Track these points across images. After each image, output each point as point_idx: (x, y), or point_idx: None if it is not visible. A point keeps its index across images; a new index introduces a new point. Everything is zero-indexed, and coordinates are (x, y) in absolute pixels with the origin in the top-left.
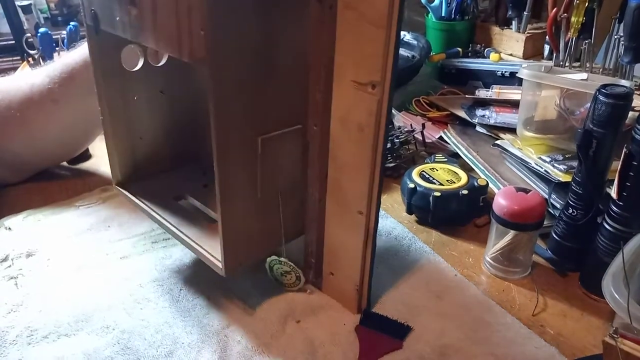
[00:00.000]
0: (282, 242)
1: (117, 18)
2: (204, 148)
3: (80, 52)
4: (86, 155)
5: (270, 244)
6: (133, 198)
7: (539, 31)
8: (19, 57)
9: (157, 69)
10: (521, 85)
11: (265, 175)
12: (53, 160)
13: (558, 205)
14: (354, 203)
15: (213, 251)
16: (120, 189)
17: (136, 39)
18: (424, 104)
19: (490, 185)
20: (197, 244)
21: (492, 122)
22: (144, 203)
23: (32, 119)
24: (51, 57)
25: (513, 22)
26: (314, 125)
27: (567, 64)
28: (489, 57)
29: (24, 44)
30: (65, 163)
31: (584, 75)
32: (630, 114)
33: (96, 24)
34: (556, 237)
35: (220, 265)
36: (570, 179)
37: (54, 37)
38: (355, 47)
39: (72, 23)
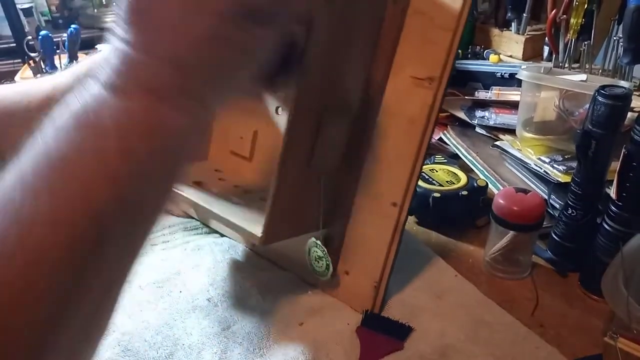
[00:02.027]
0: (321, 225)
1: None
2: (216, 147)
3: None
4: None
5: (308, 225)
6: None
7: (539, 33)
8: (19, 60)
9: None
10: (520, 86)
11: (318, 153)
12: None
13: (557, 206)
14: (388, 194)
15: (247, 225)
16: None
17: None
18: None
19: (490, 186)
20: (229, 216)
21: (491, 123)
22: None
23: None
24: (52, 60)
25: (512, 23)
26: (363, 115)
27: (566, 65)
28: (488, 59)
29: (25, 46)
30: None
31: (583, 77)
32: (630, 114)
33: None
34: (556, 238)
35: (259, 233)
36: (569, 180)
37: (55, 40)
38: (419, 47)
39: (73, 26)
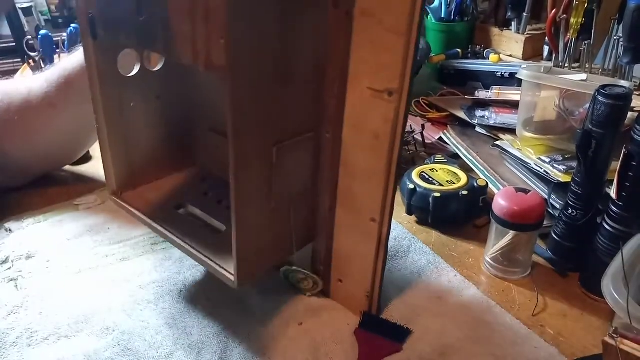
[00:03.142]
0: (294, 251)
1: (121, 23)
2: (201, 154)
3: (78, 56)
4: (86, 157)
5: (281, 253)
6: (133, 210)
7: (539, 32)
8: (19, 60)
9: (154, 74)
10: (521, 86)
11: (279, 184)
12: (53, 165)
13: (558, 206)
14: (366, 210)
15: (223, 263)
16: (118, 200)
17: (142, 45)
18: (423, 105)
19: (490, 185)
20: (205, 256)
21: (491, 123)
22: (144, 215)
23: (31, 123)
24: (52, 60)
25: (512, 23)
26: (326, 133)
27: (566, 65)
28: (488, 58)
29: (24, 46)
30: None
31: (583, 76)
32: (630, 114)
33: (94, 30)
34: (556, 238)
35: (232, 277)
36: (569, 180)
37: (54, 39)
38: (372, 54)
39: (72, 25)
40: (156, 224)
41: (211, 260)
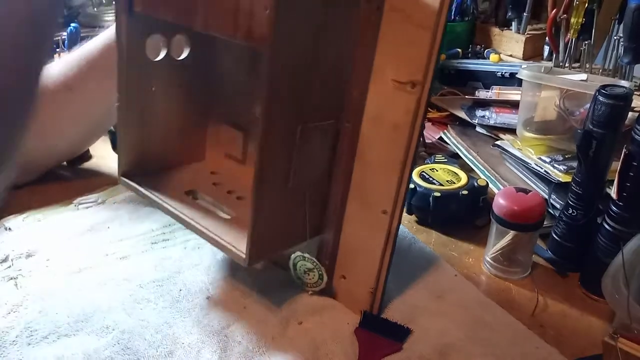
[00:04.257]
0: (307, 237)
1: None
2: (213, 148)
3: (102, 39)
4: (86, 156)
5: (293, 239)
6: (144, 190)
7: (539, 32)
8: None
9: (178, 64)
10: (521, 86)
11: (298, 165)
12: (60, 157)
13: (558, 206)
14: (378, 202)
15: (234, 243)
16: (128, 181)
17: (180, 20)
18: None
19: (490, 185)
20: (215, 235)
21: (492, 122)
22: (154, 195)
23: (45, 109)
24: (52, 59)
25: (513, 23)
26: (346, 122)
27: (566, 65)
28: (488, 58)
29: None
30: (65, 163)
31: (584, 76)
32: (630, 114)
33: (130, 4)
34: (556, 237)
35: (243, 254)
36: (570, 180)
37: (54, 38)
38: (398, 47)
39: (72, 24)
40: (166, 204)
41: (222, 239)
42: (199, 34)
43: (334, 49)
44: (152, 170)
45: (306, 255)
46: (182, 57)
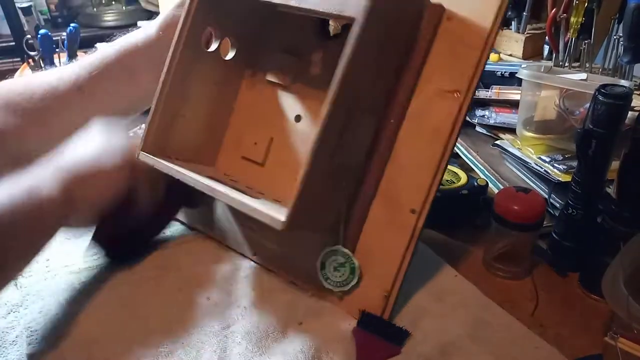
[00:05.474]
0: (343, 220)
1: None
2: (226, 154)
3: (120, 42)
4: None
5: (322, 225)
6: (166, 163)
7: (539, 31)
8: (19, 59)
9: (221, 62)
10: (521, 85)
11: (343, 147)
12: None
13: (558, 205)
14: (408, 201)
15: (269, 211)
16: (149, 155)
17: None
18: None
19: (490, 185)
20: (247, 200)
21: (491, 122)
22: (179, 168)
23: (54, 112)
24: (51, 59)
25: (512, 22)
26: (390, 119)
27: (566, 64)
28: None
29: (24, 45)
30: None
31: (584, 76)
32: (630, 114)
33: None
34: (556, 237)
35: (282, 217)
36: (569, 179)
37: (54, 38)
38: (447, 61)
39: (72, 25)
40: (192, 176)
41: (255, 205)
42: (249, 38)
43: (396, 50)
44: (173, 159)
45: (337, 248)
46: (229, 57)
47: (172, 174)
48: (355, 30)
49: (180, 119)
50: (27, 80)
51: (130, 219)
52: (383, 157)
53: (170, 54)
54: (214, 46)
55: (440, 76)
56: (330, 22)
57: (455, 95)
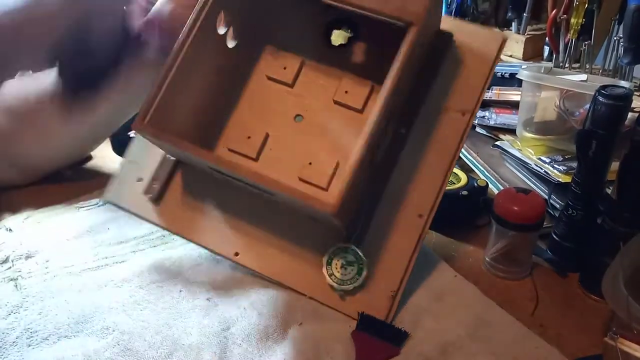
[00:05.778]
0: (360, 225)
1: None
2: (223, 146)
3: None
4: (87, 157)
5: (348, 218)
6: (172, 137)
7: (539, 32)
8: None
9: (226, 50)
10: (521, 86)
11: (379, 146)
12: (63, 162)
13: (558, 206)
14: (415, 206)
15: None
16: (151, 128)
17: None
18: None
19: (490, 186)
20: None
21: (492, 123)
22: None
23: (49, 114)
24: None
25: (513, 23)
26: (402, 129)
27: (566, 65)
28: None
29: None
30: None
31: (584, 77)
32: (630, 114)
33: None
34: (556, 238)
35: (333, 200)
36: (569, 180)
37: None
38: (454, 83)
39: None
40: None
41: (301, 190)
42: (253, 30)
43: (417, 64)
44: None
45: (349, 246)
46: (231, 45)
47: (183, 149)
48: (413, 31)
49: (179, 100)
50: (20, 85)
51: (88, 50)
52: (392, 162)
53: (186, 29)
54: (222, 30)
55: (447, 96)
56: (334, 33)
57: (462, 115)
